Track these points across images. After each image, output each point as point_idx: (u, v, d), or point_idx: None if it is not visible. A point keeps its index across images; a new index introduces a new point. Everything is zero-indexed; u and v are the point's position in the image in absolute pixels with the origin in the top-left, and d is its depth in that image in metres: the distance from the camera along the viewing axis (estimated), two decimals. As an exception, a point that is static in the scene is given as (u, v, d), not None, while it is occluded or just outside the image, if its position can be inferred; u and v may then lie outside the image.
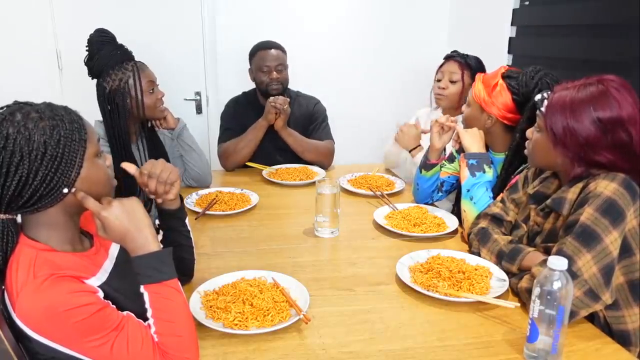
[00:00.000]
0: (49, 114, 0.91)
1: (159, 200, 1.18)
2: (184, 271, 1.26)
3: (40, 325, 0.84)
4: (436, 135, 1.78)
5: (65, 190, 0.92)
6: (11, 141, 0.87)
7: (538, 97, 1.25)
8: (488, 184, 1.59)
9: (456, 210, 1.84)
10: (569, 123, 1.16)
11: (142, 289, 0.94)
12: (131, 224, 0.94)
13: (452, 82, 2.18)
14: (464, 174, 1.61)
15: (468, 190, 1.59)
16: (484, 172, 1.59)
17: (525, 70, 1.58)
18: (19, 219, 0.95)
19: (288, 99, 2.29)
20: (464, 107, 1.70)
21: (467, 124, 1.69)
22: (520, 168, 1.58)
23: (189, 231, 1.26)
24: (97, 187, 0.97)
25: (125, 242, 0.95)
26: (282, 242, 1.60)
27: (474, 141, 1.63)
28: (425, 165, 1.80)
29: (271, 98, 2.25)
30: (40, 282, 0.85)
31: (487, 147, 1.69)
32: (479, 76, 1.65)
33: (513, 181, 1.55)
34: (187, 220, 1.26)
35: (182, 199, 1.23)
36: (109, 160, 1.03)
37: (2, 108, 0.92)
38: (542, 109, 1.22)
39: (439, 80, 2.24)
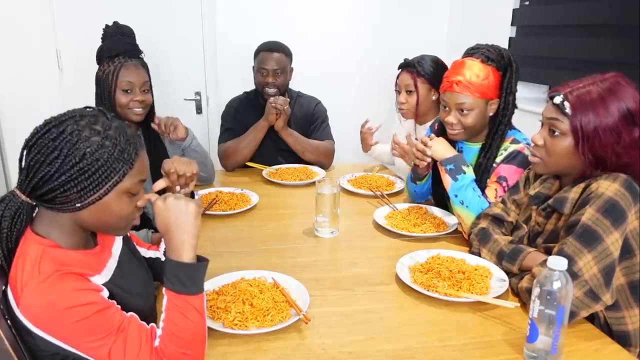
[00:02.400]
0: (109, 134, 0.91)
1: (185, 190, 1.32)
2: None
3: (41, 320, 0.84)
4: (407, 159, 1.77)
5: (78, 205, 0.91)
6: (61, 138, 0.89)
7: (558, 100, 1.18)
8: (472, 183, 1.58)
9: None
10: (602, 121, 1.13)
11: (164, 290, 0.94)
12: (172, 223, 0.95)
13: (408, 92, 2.13)
14: (446, 181, 1.60)
15: (456, 196, 1.57)
16: (464, 173, 1.58)
17: (480, 48, 1.60)
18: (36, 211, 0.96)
19: (288, 100, 2.29)
20: (453, 118, 1.59)
21: (472, 128, 1.59)
22: (508, 154, 1.57)
23: None
24: (109, 218, 0.95)
25: (165, 237, 0.97)
26: (282, 242, 1.60)
27: (442, 148, 1.63)
28: (418, 177, 1.80)
29: (271, 99, 2.25)
30: (44, 278, 0.85)
31: (454, 145, 1.69)
32: (459, 77, 1.56)
33: (497, 169, 1.56)
34: None
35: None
36: (142, 201, 1.00)
37: (87, 108, 0.96)
38: (567, 111, 1.16)
39: (398, 93, 2.19)
